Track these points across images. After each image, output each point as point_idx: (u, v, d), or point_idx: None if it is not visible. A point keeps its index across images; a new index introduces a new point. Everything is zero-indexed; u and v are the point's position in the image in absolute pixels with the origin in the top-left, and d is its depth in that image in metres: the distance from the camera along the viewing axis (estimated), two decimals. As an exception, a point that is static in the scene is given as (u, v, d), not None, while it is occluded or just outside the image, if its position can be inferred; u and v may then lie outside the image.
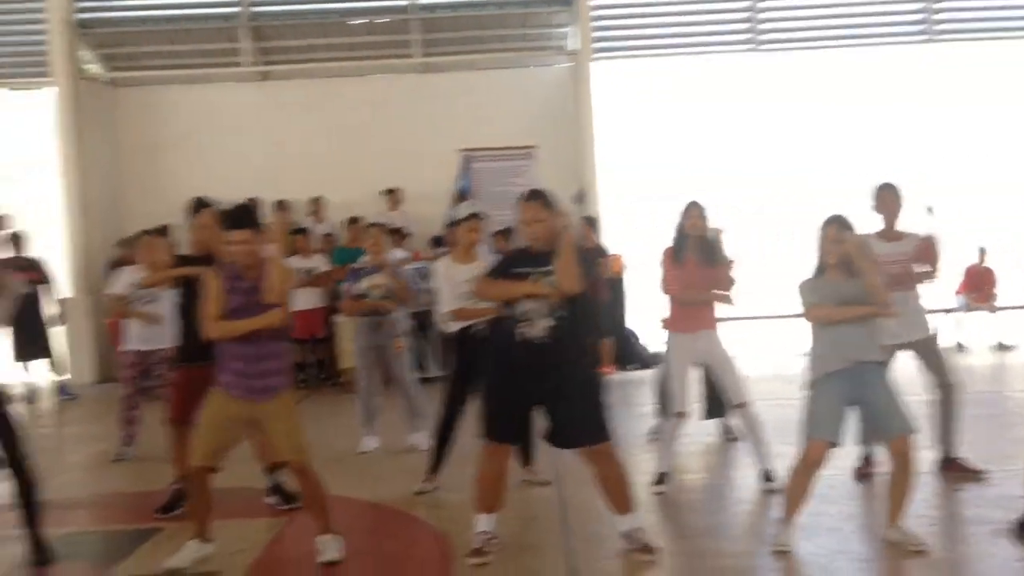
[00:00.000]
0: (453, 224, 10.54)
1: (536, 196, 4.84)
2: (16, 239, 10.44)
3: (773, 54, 12.73)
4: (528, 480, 6.18)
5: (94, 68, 12.58)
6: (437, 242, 11.48)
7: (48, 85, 12.23)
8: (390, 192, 12.02)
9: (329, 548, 4.93)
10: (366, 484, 6.53)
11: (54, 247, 11.63)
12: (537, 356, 4.67)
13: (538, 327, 4.66)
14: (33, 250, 10.64)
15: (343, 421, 9.07)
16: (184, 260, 5.68)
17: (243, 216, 4.86)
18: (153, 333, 7.17)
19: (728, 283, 6.03)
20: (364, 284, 7.34)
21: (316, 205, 12.13)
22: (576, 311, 4.70)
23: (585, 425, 4.74)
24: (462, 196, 11.75)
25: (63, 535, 5.42)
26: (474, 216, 6.40)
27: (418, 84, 12.68)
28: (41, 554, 5.09)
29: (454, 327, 6.17)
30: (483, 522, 4.90)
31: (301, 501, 5.39)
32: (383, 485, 6.48)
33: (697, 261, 5.96)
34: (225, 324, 4.76)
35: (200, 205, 5.73)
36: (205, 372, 5.01)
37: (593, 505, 5.55)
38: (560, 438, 4.81)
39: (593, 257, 4.89)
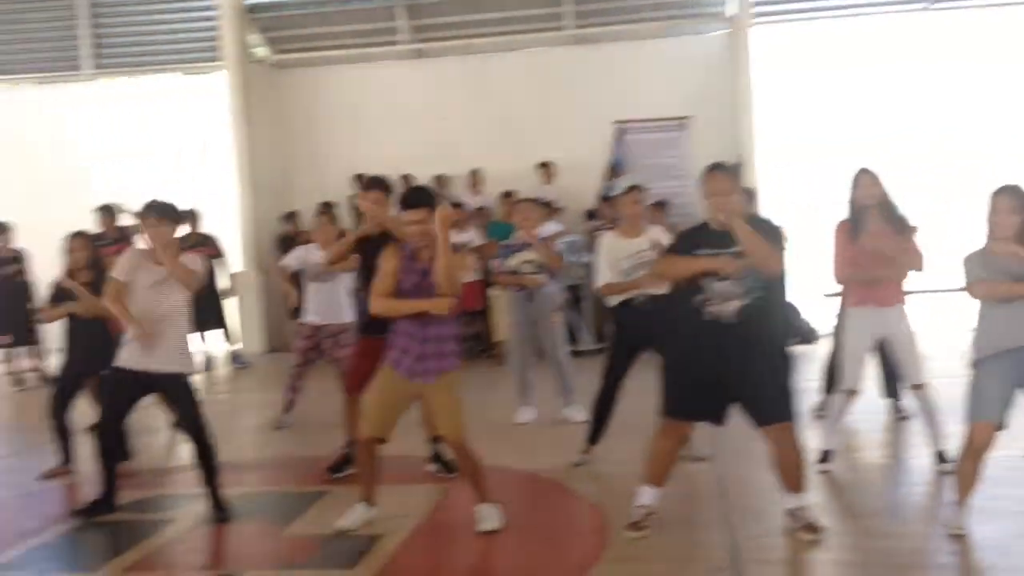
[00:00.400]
0: (608, 198, 10.54)
1: (720, 167, 4.68)
2: (191, 216, 11.01)
3: (940, 13, 12.05)
4: (685, 456, 6.10)
5: (261, 52, 13.09)
6: (590, 215, 11.45)
7: (218, 69, 12.79)
8: (543, 166, 12.03)
9: (488, 517, 5.00)
10: (522, 455, 6.58)
11: (227, 223, 12.18)
12: (726, 335, 4.52)
13: (729, 307, 4.52)
14: (207, 227, 11.21)
15: (499, 393, 9.18)
16: (362, 239, 5.78)
17: (418, 196, 4.93)
18: (328, 308, 7.37)
19: (915, 252, 5.66)
20: (514, 261, 7.38)
21: (475, 178, 12.26)
22: (771, 291, 4.55)
23: (771, 404, 4.58)
24: (615, 169, 11.66)
25: (239, 495, 5.71)
26: (634, 188, 6.32)
27: (571, 56, 12.61)
28: (220, 511, 5.41)
29: (613, 300, 6.13)
30: (646, 495, 4.86)
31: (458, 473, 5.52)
32: (539, 456, 6.52)
33: (882, 230, 5.59)
34: (390, 302, 4.87)
35: (371, 182, 5.86)
36: (381, 345, 5.13)
37: (752, 480, 5.44)
38: (748, 414, 4.67)
39: (778, 233, 4.69)
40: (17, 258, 10.52)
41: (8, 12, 13.24)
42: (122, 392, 5.45)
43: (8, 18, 13.28)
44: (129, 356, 5.34)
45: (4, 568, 4.81)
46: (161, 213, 5.32)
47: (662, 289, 5.56)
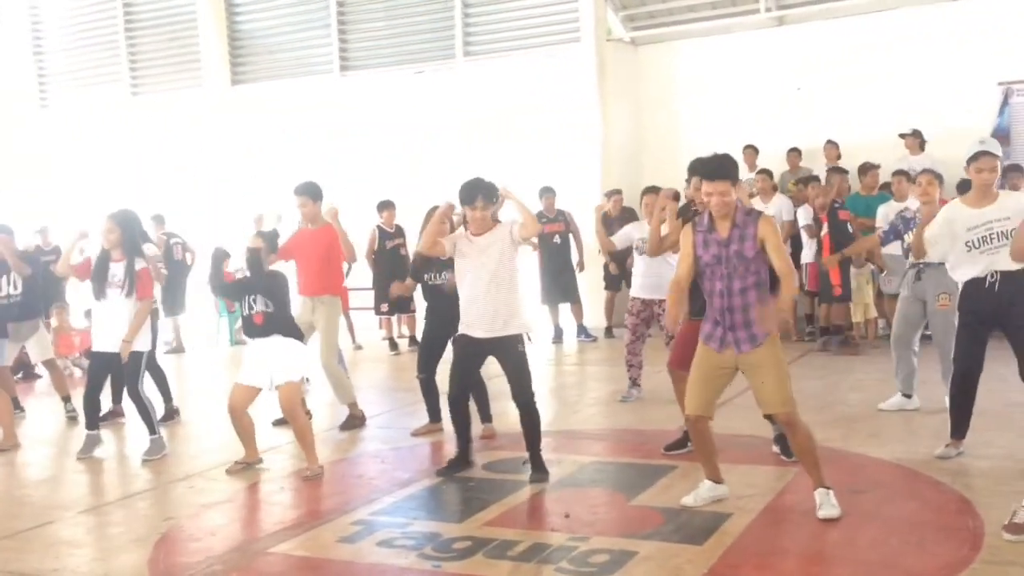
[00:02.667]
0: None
1: None
2: (548, 193, 11.45)
3: None
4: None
5: (618, 29, 13.26)
6: (964, 186, 10.43)
7: (575, 46, 13.11)
8: (912, 134, 11.11)
9: (825, 503, 4.78)
10: (885, 442, 6.19)
11: (584, 199, 12.49)
12: None
13: None
14: (562, 203, 11.59)
15: (856, 376, 8.69)
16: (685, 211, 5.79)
17: (719, 167, 4.76)
18: (658, 283, 7.34)
19: None
20: (909, 238, 6.88)
21: (836, 150, 11.64)
22: None
23: None
24: (999, 136, 10.52)
25: (587, 463, 5.86)
26: (984, 155, 5.60)
27: (947, 13, 11.51)
28: (538, 472, 5.70)
29: (962, 277, 5.56)
30: None
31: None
32: (904, 444, 6.08)
33: None
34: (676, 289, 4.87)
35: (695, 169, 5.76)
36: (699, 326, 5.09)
37: None
38: None
39: None
40: (399, 232, 11.55)
41: (394, 7, 14.46)
42: (465, 355, 5.83)
43: (391, 13, 14.52)
44: (466, 323, 5.71)
45: (379, 513, 5.29)
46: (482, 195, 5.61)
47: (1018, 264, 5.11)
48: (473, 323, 5.70)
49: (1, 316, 8.02)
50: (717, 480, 5.13)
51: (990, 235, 5.42)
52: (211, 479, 6.20)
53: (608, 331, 11.76)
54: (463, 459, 6.01)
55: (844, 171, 10.98)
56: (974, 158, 5.51)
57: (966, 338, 5.62)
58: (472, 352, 5.81)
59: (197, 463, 6.66)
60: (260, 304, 6.05)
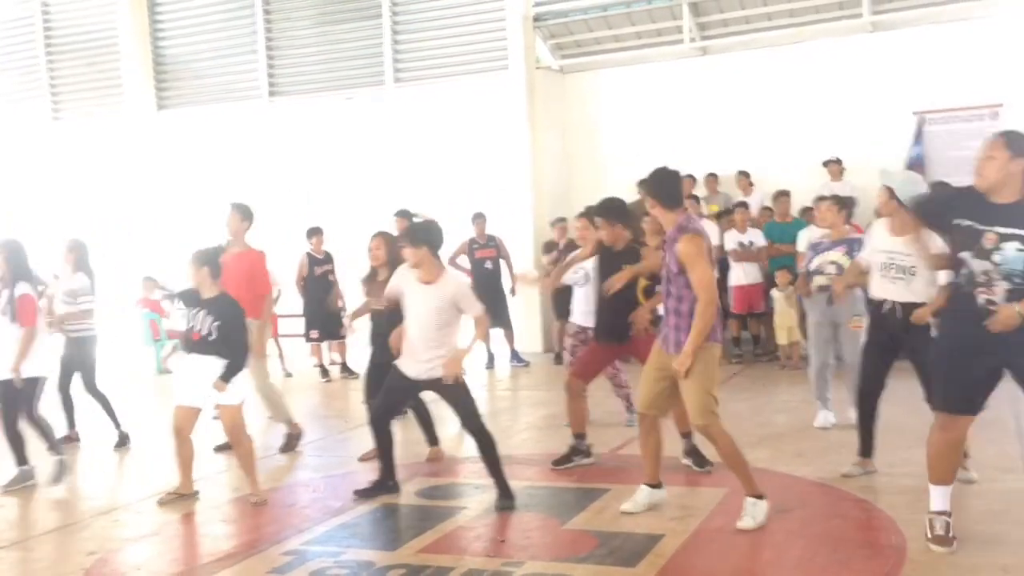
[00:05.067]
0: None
1: (1002, 135, 4.31)
2: (479, 218, 11.50)
3: None
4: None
5: (546, 57, 13.42)
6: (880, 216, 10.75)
7: (504, 73, 13.22)
8: (832, 162, 11.44)
9: (746, 513, 4.95)
10: (806, 461, 6.34)
11: (512, 225, 12.58)
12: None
13: (998, 290, 4.21)
14: (493, 229, 11.65)
15: (780, 397, 8.88)
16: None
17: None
18: (591, 310, 7.41)
19: None
20: (817, 261, 7.09)
21: (746, 179, 11.97)
22: None
23: None
24: (913, 164, 10.90)
25: (520, 488, 5.87)
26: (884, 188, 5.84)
27: (865, 45, 11.89)
28: (505, 499, 5.67)
29: (872, 294, 5.77)
30: (938, 499, 4.54)
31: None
32: (828, 463, 6.22)
33: None
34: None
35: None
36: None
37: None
38: None
39: None
40: (328, 259, 11.49)
41: (324, 34, 14.43)
42: (399, 388, 5.86)
43: (321, 39, 14.48)
44: (404, 362, 5.74)
45: (311, 543, 5.23)
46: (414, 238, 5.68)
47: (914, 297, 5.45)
48: (407, 362, 5.74)
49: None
50: (655, 483, 5.32)
51: (891, 264, 5.58)
52: (137, 512, 6.07)
53: (558, 357, 11.77)
54: (383, 483, 6.01)
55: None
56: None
57: (868, 359, 5.82)
58: (406, 385, 5.83)
59: (121, 495, 6.50)
60: (201, 323, 5.97)
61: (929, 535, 4.53)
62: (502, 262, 11.66)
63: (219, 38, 15.02)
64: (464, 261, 11.50)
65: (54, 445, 6.88)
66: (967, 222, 4.26)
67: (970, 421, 4.52)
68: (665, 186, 5.13)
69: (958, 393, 4.42)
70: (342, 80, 14.32)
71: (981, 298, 4.26)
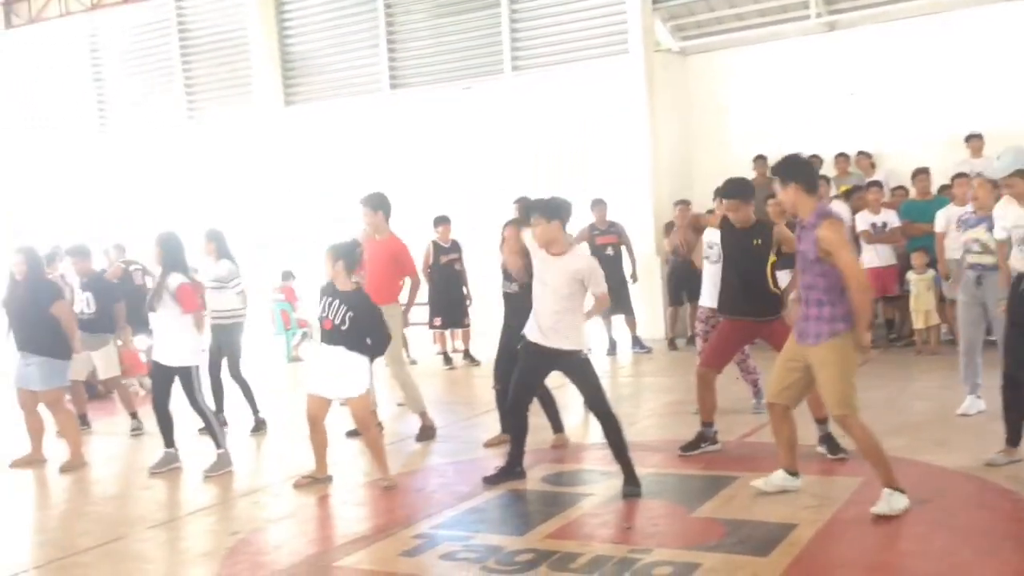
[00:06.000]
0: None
1: None
2: (600, 204, 11.43)
3: None
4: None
5: (666, 40, 13.22)
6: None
7: (624, 57, 13.07)
8: (972, 138, 10.92)
9: (881, 501, 4.84)
10: (950, 449, 6.09)
11: (634, 210, 12.47)
12: None
13: None
14: (614, 214, 11.56)
15: (918, 383, 8.56)
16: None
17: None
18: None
19: None
20: (964, 237, 6.83)
21: (868, 159, 11.61)
22: None
23: None
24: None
25: (645, 475, 5.82)
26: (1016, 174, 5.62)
27: (1003, 14, 11.30)
28: (631, 485, 5.64)
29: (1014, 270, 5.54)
30: None
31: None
32: (971, 452, 5.95)
33: None
34: None
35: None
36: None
37: None
38: None
39: None
40: (455, 247, 11.65)
41: (443, 25, 14.57)
42: (532, 364, 5.87)
43: (439, 30, 14.63)
44: (530, 330, 5.79)
45: (440, 526, 5.31)
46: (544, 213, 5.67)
47: None
48: (532, 329, 5.79)
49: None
50: (791, 469, 5.28)
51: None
52: (276, 494, 6.29)
53: (671, 343, 11.71)
54: (511, 469, 6.03)
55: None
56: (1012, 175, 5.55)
57: (1012, 342, 5.57)
58: (537, 359, 5.83)
59: (260, 478, 6.74)
60: (335, 312, 6.12)
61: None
62: (623, 249, 11.57)
63: (342, 33, 15.31)
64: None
65: (217, 437, 6.97)
66: None
67: None
68: (805, 172, 5.05)
69: None
70: (461, 70, 14.40)
71: None
